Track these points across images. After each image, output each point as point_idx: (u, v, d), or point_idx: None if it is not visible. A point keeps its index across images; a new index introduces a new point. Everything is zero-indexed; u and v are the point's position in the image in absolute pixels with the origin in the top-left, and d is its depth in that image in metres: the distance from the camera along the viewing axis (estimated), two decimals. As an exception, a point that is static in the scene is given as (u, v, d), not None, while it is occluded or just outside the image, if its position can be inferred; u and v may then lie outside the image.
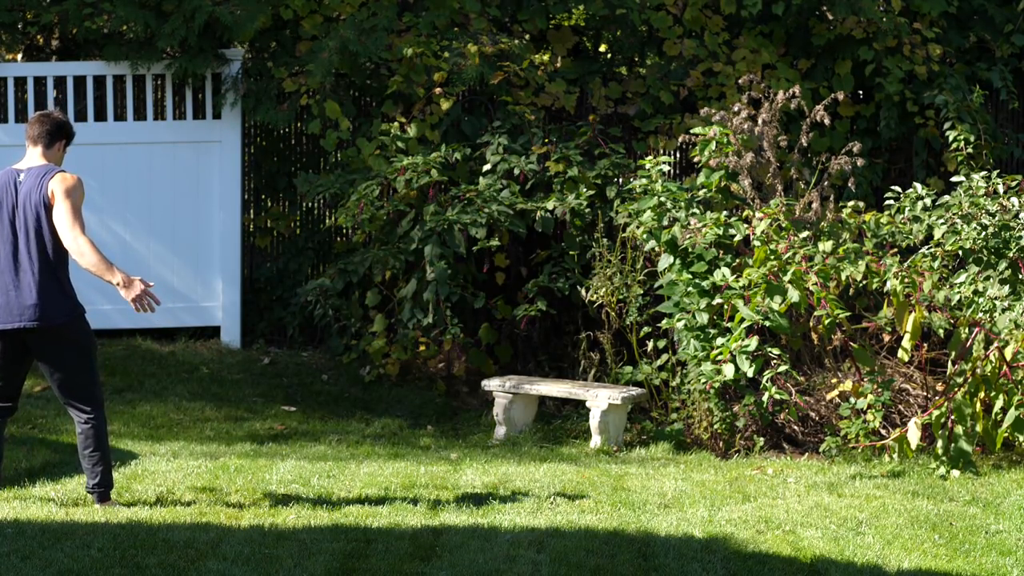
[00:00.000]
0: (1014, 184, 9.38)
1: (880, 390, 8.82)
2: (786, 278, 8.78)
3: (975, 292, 8.81)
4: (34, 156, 7.13)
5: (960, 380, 8.57)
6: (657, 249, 9.63)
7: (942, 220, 9.26)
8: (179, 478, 7.67)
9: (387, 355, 10.58)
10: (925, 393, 9.44)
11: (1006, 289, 8.78)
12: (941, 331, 8.91)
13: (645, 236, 9.63)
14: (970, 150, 10.80)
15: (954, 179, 9.97)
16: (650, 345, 9.91)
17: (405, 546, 6.35)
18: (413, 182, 10.60)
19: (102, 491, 7.04)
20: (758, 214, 9.29)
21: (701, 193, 9.87)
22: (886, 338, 9.62)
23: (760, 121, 10.01)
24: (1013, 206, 9.18)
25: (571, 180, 10.72)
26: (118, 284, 6.91)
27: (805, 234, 9.33)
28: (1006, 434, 8.38)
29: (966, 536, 6.86)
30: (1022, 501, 7.60)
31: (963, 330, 8.70)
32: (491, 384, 9.87)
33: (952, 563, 6.38)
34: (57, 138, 7.21)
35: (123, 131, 11.54)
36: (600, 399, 9.46)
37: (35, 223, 6.92)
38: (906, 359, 8.80)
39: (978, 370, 8.42)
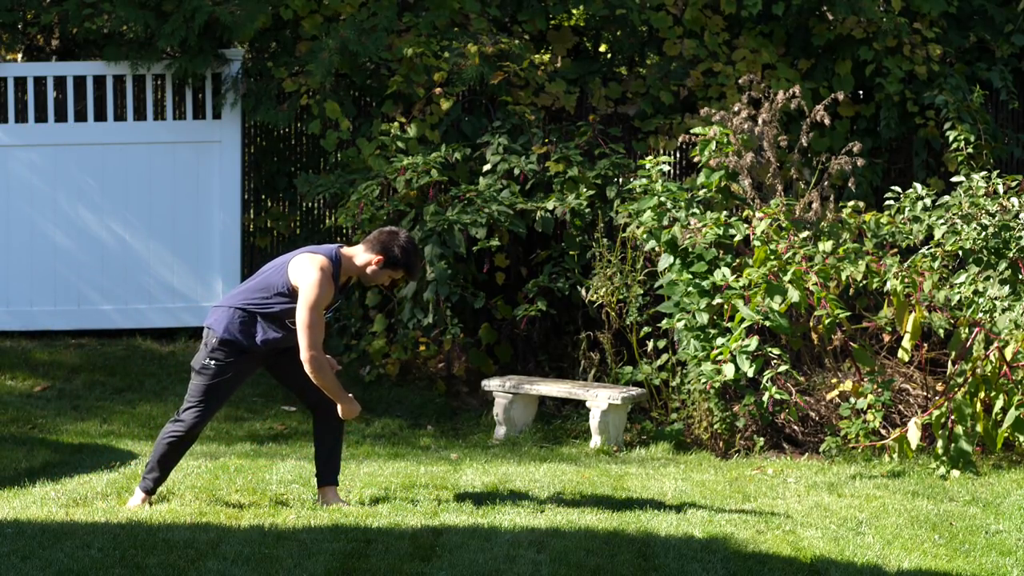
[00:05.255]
0: (1014, 184, 9.38)
1: (880, 390, 8.82)
2: (786, 278, 8.78)
3: (975, 292, 8.81)
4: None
5: (960, 380, 8.57)
6: (657, 249, 9.63)
7: (942, 220, 9.26)
8: (179, 478, 7.66)
9: (387, 355, 10.58)
10: (925, 393, 9.44)
11: (1006, 289, 8.78)
12: (941, 331, 8.91)
13: (645, 236, 9.63)
14: (970, 150, 10.79)
15: (954, 179, 9.96)
16: (650, 345, 9.91)
17: (405, 546, 6.35)
18: (413, 182, 10.60)
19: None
20: (758, 214, 9.29)
21: (701, 193, 9.87)
22: (886, 338, 9.62)
23: (760, 121, 10.01)
24: (1013, 206, 9.17)
25: (571, 180, 10.72)
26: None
27: (805, 234, 9.33)
28: (1006, 434, 8.38)
29: (966, 536, 6.86)
30: (1022, 501, 7.60)
31: (963, 330, 8.70)
32: (491, 384, 9.87)
33: (952, 563, 6.38)
34: (377, 251, 7.03)
35: (123, 131, 11.55)
36: (600, 399, 9.46)
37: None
38: (906, 359, 8.79)
39: (978, 370, 8.42)
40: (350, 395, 7.08)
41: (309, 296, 6.82)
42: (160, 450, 7.06)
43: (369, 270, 7.02)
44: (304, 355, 6.83)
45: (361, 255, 7.03)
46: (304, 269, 6.89)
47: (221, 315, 7.01)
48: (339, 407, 7.02)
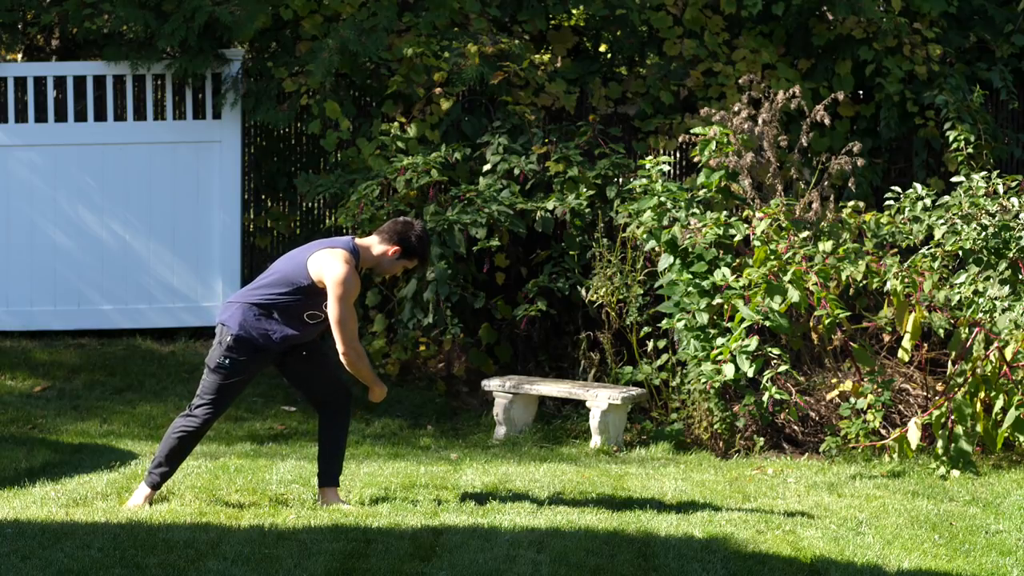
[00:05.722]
0: (1014, 184, 9.38)
1: (880, 390, 8.82)
2: (786, 278, 8.78)
3: (975, 292, 8.81)
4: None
5: (960, 380, 8.57)
6: (657, 249, 9.63)
7: (942, 220, 9.26)
8: (179, 478, 7.66)
9: (387, 355, 10.59)
10: (925, 393, 9.44)
11: (1006, 289, 8.78)
12: (941, 331, 8.91)
13: (645, 236, 9.63)
14: (970, 150, 10.79)
15: (954, 179, 9.96)
16: (650, 345, 9.91)
17: (405, 546, 6.35)
18: (413, 182, 10.60)
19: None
20: (758, 214, 9.29)
21: (701, 193, 9.87)
22: (886, 338, 9.62)
23: (760, 121, 10.01)
24: (1013, 206, 9.17)
25: (571, 180, 10.72)
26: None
27: (805, 234, 9.33)
28: (1006, 434, 8.38)
29: (966, 536, 6.86)
30: (1022, 501, 7.60)
31: (963, 330, 8.70)
32: (491, 384, 9.87)
33: (952, 563, 6.38)
34: (394, 242, 7.12)
35: (123, 131, 11.55)
36: (600, 399, 9.46)
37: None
38: (906, 359, 8.79)
39: (978, 370, 8.42)
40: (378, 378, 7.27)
41: (339, 292, 6.88)
42: (169, 444, 7.08)
43: (385, 261, 7.10)
44: (340, 348, 6.96)
45: (377, 246, 7.11)
46: (330, 264, 6.92)
47: (235, 311, 7.02)
48: (371, 391, 7.18)
